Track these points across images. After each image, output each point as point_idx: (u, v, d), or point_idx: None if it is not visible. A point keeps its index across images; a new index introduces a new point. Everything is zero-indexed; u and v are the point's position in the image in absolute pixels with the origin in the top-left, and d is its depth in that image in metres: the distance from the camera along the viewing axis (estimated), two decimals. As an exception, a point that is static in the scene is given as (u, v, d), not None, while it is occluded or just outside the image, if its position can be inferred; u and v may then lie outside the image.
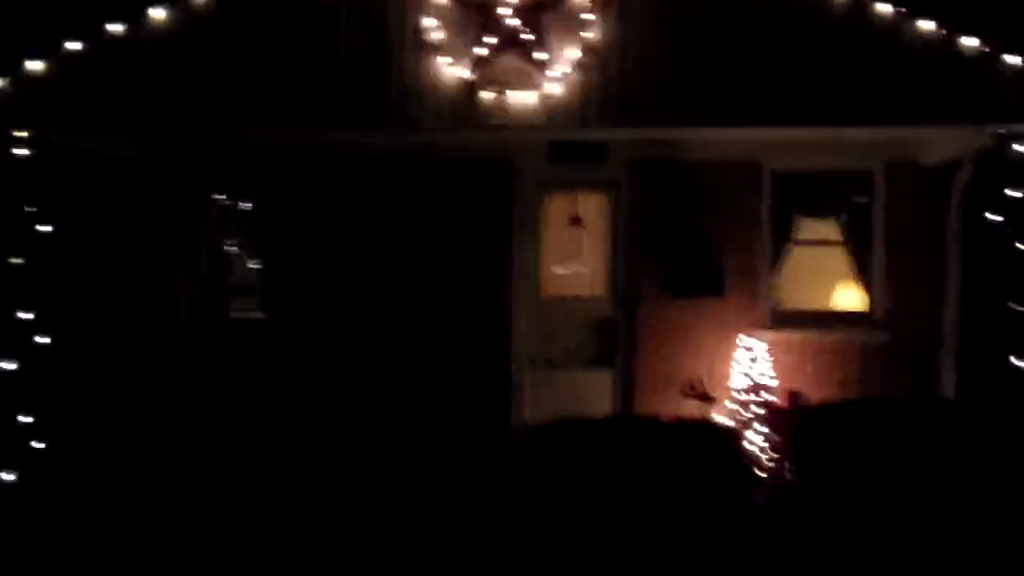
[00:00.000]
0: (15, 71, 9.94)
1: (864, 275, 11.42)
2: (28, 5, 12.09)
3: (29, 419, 9.91)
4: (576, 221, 11.72)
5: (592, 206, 11.71)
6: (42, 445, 9.96)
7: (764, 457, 9.81)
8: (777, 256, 11.45)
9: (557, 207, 11.73)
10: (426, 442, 10.28)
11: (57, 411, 10.29)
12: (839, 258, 11.54)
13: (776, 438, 9.75)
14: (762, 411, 10.14)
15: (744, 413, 10.29)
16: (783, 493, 9.22)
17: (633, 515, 8.22)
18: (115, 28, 9.88)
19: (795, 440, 9.37)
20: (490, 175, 11.44)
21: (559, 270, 11.73)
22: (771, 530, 8.31)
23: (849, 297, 11.53)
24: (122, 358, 11.47)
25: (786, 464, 9.44)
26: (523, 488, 8.90)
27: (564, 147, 11.07)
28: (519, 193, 11.49)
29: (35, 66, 9.93)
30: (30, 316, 9.95)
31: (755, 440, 10.01)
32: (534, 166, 11.40)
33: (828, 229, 11.56)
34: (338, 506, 8.97)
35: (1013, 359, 9.32)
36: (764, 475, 9.65)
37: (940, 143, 10.63)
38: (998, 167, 9.78)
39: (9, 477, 9.76)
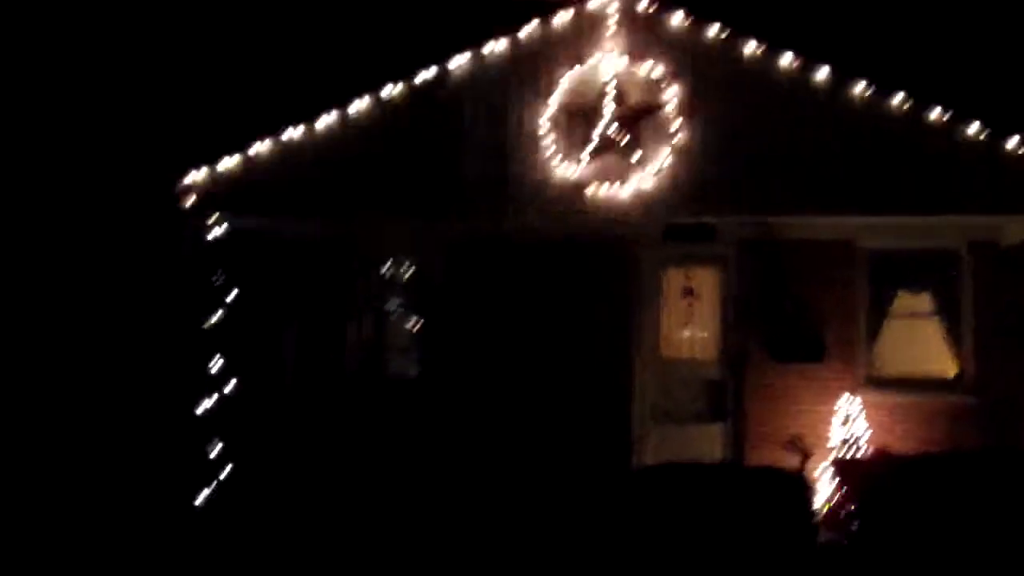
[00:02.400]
0: (211, 167, 11.91)
1: (953, 343, 12.51)
2: (220, 110, 14.07)
3: (220, 447, 11.85)
4: (689, 292, 13.14)
5: (704, 278, 13.11)
6: (229, 468, 11.86)
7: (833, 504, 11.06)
8: (872, 325, 12.65)
9: (673, 279, 13.16)
10: (561, 483, 11.70)
11: (242, 444, 12.17)
12: (931, 328, 12.64)
13: (847, 488, 10.94)
14: (846, 464, 11.35)
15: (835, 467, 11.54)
16: (844, 536, 10.45)
17: (714, 540, 9.58)
18: (291, 132, 11.80)
19: (869, 489, 10.56)
20: (614, 252, 12.87)
21: (676, 335, 13.17)
22: (820, 566, 9.64)
23: (939, 364, 12.62)
24: (297, 404, 13.27)
25: (847, 510, 10.64)
26: (633, 514, 10.35)
27: (677, 228, 12.44)
28: (640, 267, 12.97)
29: (227, 163, 11.90)
30: (222, 364, 11.92)
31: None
32: (652, 244, 12.84)
33: (920, 301, 12.70)
34: (477, 526, 10.54)
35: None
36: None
37: (1014, 227, 11.71)
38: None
39: (205, 493, 11.72)
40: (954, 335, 12.52)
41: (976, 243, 12.28)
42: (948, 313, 12.56)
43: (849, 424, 11.99)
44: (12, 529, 10.46)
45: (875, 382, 12.56)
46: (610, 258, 12.93)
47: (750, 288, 12.79)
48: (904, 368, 12.72)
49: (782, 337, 12.56)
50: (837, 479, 11.29)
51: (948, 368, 12.55)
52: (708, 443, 12.82)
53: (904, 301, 12.76)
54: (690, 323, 13.21)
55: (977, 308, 12.36)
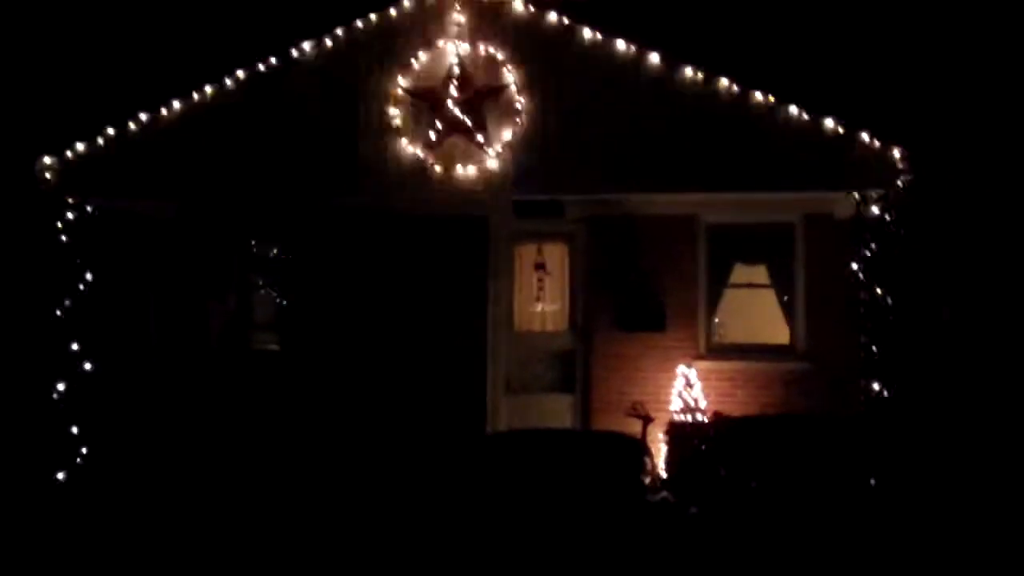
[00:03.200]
0: (64, 151, 12.10)
1: (788, 313, 13.21)
2: (72, 94, 14.22)
3: (75, 430, 12.08)
4: (541, 266, 13.69)
5: (554, 253, 13.69)
6: (85, 451, 12.11)
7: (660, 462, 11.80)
8: (712, 296, 13.31)
9: (525, 254, 13.71)
10: (418, 448, 12.18)
11: (100, 423, 12.42)
12: (767, 298, 13.36)
13: (676, 449, 11.63)
14: (674, 427, 12.03)
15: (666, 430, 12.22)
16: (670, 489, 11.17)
17: (555, 491, 10.26)
18: (142, 116, 12.06)
19: (691, 449, 11.26)
20: (469, 227, 13.38)
21: (528, 308, 13.72)
22: (648, 515, 10.49)
23: (775, 332, 13.34)
24: (159, 379, 13.55)
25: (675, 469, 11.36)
26: (485, 472, 10.91)
27: (526, 204, 12.89)
28: (492, 243, 13.47)
29: (80, 147, 12.10)
30: (76, 347, 12.14)
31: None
32: (504, 220, 13.32)
33: (757, 273, 13.40)
34: (343, 491, 11.04)
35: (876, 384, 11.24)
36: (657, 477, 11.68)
37: (844, 202, 12.37)
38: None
39: (60, 476, 11.92)
40: (788, 305, 13.20)
41: (811, 216, 12.90)
42: (783, 284, 13.23)
43: (689, 389, 12.65)
44: None
45: (715, 349, 13.23)
46: (464, 234, 13.41)
47: (598, 262, 13.36)
48: (742, 336, 13.44)
49: (626, 308, 13.17)
50: (668, 441, 11.93)
51: (783, 336, 13.25)
52: (559, 411, 13.40)
53: (742, 272, 13.44)
54: (542, 297, 13.76)
55: (810, 279, 13.01)
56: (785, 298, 13.23)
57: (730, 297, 13.46)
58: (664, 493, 11.23)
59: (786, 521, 10.08)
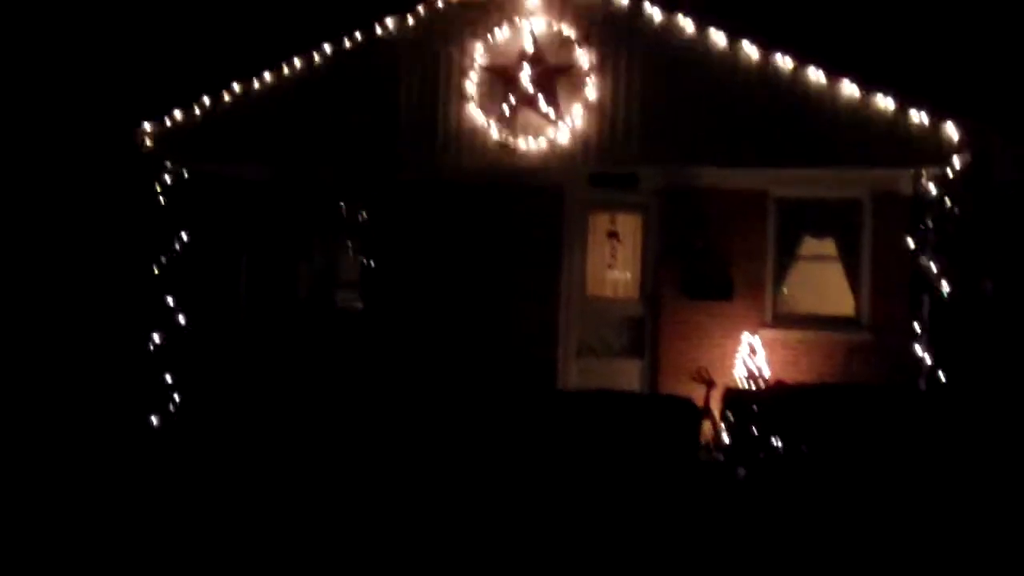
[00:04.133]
0: (165, 118, 12.91)
1: (854, 285, 13.52)
2: (170, 63, 15.07)
3: (169, 379, 12.94)
4: (613, 235, 14.20)
5: (627, 223, 14.19)
6: (178, 399, 12.97)
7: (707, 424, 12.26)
8: (780, 268, 13.67)
9: (599, 223, 14.23)
10: (492, 402, 12.70)
11: (192, 374, 13.28)
12: (833, 270, 13.65)
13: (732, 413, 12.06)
14: (732, 393, 12.44)
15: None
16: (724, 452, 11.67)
17: (612, 447, 10.97)
18: (235, 86, 12.78)
19: (744, 415, 11.71)
20: (545, 197, 13.91)
21: (600, 274, 14.24)
22: (696, 475, 11.07)
23: (840, 304, 13.63)
24: (250, 333, 14.37)
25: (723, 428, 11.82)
26: (552, 427, 11.55)
27: (602, 175, 13.43)
28: (567, 211, 13.99)
29: (178, 114, 12.89)
30: (171, 302, 12.99)
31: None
32: (579, 190, 13.84)
33: (824, 246, 13.69)
34: (421, 438, 11.76)
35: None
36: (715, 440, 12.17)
37: (907, 180, 12.62)
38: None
39: (154, 421, 12.81)
40: (854, 277, 13.50)
41: (878, 193, 13.16)
42: (849, 257, 13.51)
43: (753, 357, 13.08)
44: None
45: (780, 319, 13.60)
46: (540, 201, 13.94)
47: (669, 232, 13.80)
48: (807, 307, 13.75)
49: (694, 276, 13.59)
50: (724, 406, 12.37)
51: (847, 308, 13.55)
52: (629, 375, 13.92)
53: (810, 245, 13.74)
54: (614, 264, 14.27)
55: (875, 253, 13.29)
56: (851, 271, 13.54)
57: (798, 269, 13.79)
58: (717, 455, 11.69)
59: (830, 487, 10.50)
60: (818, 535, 9.33)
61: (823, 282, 13.75)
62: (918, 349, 11.90)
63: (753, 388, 12.67)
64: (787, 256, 13.72)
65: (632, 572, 8.51)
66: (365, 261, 14.63)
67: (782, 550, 8.97)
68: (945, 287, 11.61)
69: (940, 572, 8.58)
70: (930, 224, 11.74)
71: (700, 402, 12.34)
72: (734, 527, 9.61)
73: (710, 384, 12.82)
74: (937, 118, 11.59)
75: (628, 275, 14.21)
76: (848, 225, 13.50)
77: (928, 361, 11.78)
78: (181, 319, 12.98)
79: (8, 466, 10.99)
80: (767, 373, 12.99)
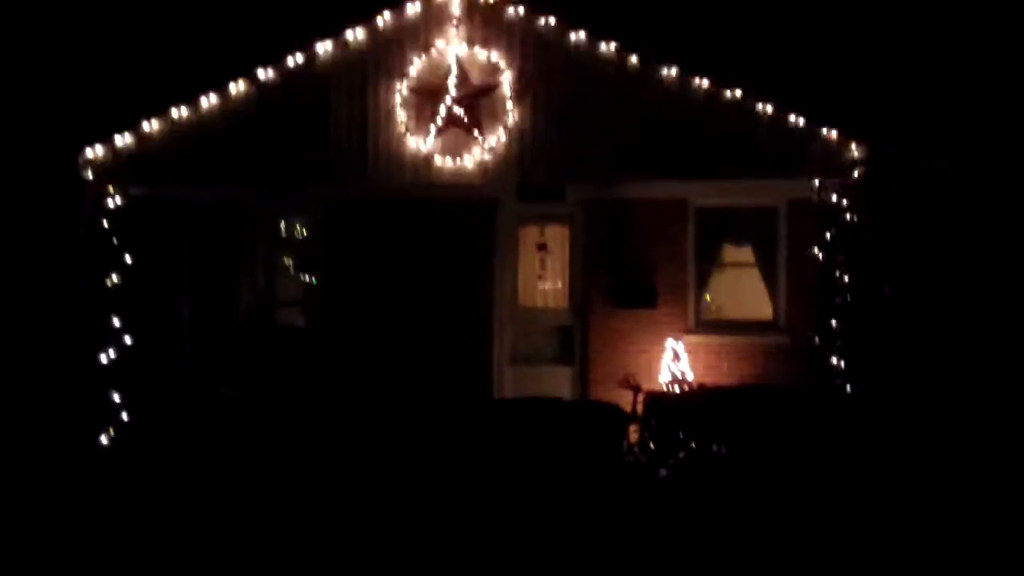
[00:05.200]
0: (107, 143, 13.31)
1: (771, 291, 14.22)
2: (113, 91, 15.47)
3: (117, 397, 13.32)
4: (543, 247, 14.78)
5: (556, 234, 14.78)
6: (126, 417, 13.36)
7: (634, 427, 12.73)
8: (701, 275, 14.34)
9: (529, 235, 14.80)
10: (431, 411, 13.17)
11: (139, 393, 13.66)
12: (753, 276, 14.36)
13: (653, 415, 12.63)
14: (652, 396, 13.00)
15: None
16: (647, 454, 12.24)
17: (543, 451, 11.56)
18: (177, 111, 13.22)
19: (660, 415, 12.31)
20: (476, 211, 14.44)
21: (531, 286, 14.81)
22: (619, 475, 11.68)
23: (758, 309, 14.31)
24: (193, 350, 14.79)
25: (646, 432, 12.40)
26: (488, 433, 12.08)
27: (529, 189, 13.87)
28: (498, 225, 14.54)
29: (121, 140, 13.29)
30: (117, 323, 13.35)
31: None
32: (509, 204, 14.36)
33: (743, 253, 14.43)
34: (363, 450, 12.22)
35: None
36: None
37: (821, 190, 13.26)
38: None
39: (103, 439, 13.19)
40: (771, 283, 14.22)
41: (793, 202, 13.84)
42: (767, 263, 14.25)
43: (677, 362, 13.70)
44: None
45: (703, 325, 14.27)
46: (471, 216, 14.48)
47: (595, 242, 14.41)
48: (728, 312, 14.48)
49: (620, 285, 14.22)
50: (646, 410, 12.93)
51: (766, 312, 14.25)
52: (560, 382, 14.50)
53: (729, 252, 14.49)
54: (544, 275, 14.85)
55: (791, 260, 14.01)
56: (769, 277, 14.22)
57: (718, 275, 14.49)
58: (641, 457, 12.27)
59: (746, 483, 11.13)
60: (729, 529, 9.93)
61: (742, 288, 14.43)
62: (826, 351, 12.58)
63: (666, 391, 13.26)
64: (708, 263, 14.42)
65: (556, 567, 9.07)
66: (305, 278, 15.11)
67: (691, 543, 9.57)
68: (846, 291, 12.34)
69: (847, 565, 9.13)
70: (834, 231, 12.47)
71: (628, 407, 12.89)
72: (650, 523, 10.20)
73: (637, 389, 13.32)
74: (843, 136, 12.37)
75: (558, 285, 14.79)
76: (765, 232, 14.22)
77: (835, 362, 12.47)
78: (127, 339, 13.34)
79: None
80: (691, 377, 13.62)
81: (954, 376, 12.94)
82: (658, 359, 13.93)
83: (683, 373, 13.67)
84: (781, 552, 9.31)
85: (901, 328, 13.02)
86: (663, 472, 11.69)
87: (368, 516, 10.47)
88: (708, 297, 14.49)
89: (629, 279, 14.21)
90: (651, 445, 12.22)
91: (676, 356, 13.76)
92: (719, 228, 14.33)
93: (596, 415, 12.33)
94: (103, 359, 13.15)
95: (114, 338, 13.28)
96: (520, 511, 10.45)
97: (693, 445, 11.80)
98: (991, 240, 13.93)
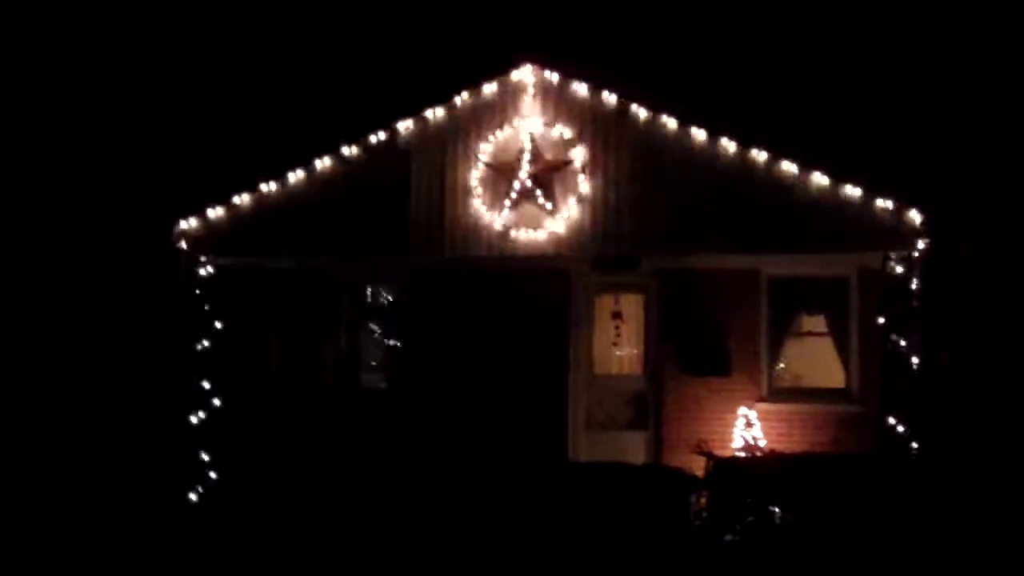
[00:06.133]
0: (201, 216, 14.07)
1: (842, 359, 14.31)
2: (206, 167, 16.35)
3: (206, 457, 13.96)
4: (617, 315, 15.12)
5: (630, 303, 15.11)
6: (215, 476, 13.97)
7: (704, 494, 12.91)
8: (774, 343, 14.51)
9: (604, 304, 15.15)
10: (508, 473, 13.52)
11: (228, 452, 14.30)
12: (824, 345, 14.48)
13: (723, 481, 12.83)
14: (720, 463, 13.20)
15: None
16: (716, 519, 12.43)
17: (614, 513, 11.93)
18: (266, 186, 13.95)
19: (728, 481, 12.52)
20: (552, 281, 14.83)
21: (606, 352, 15.15)
22: (687, 539, 11.96)
23: (830, 377, 14.42)
24: (281, 413, 15.36)
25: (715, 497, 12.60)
26: (563, 494, 12.47)
27: (603, 259, 14.32)
28: (573, 294, 14.92)
29: (214, 213, 14.05)
30: (208, 385, 14.04)
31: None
32: (583, 273, 14.76)
33: (815, 322, 14.55)
34: (444, 509, 12.68)
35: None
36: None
37: (890, 261, 13.41)
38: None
39: (193, 497, 13.79)
40: (843, 351, 14.31)
41: (864, 271, 13.97)
42: (838, 332, 14.35)
43: (749, 429, 13.90)
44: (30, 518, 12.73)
45: (775, 392, 14.41)
46: (547, 285, 14.87)
47: (669, 311, 14.69)
48: (800, 380, 14.65)
49: (693, 354, 14.46)
50: (716, 475, 13.13)
51: (838, 380, 14.35)
52: (635, 447, 14.73)
53: (803, 321, 14.64)
54: (619, 342, 15.17)
55: (862, 329, 14.12)
56: (841, 345, 14.35)
57: (791, 343, 14.65)
58: (707, 521, 12.47)
59: (811, 550, 11.29)
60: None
61: (814, 356, 14.56)
62: (891, 419, 12.73)
63: (733, 457, 13.44)
64: (780, 331, 14.56)
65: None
66: (388, 343, 15.65)
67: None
68: (909, 360, 12.52)
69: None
70: (897, 301, 12.66)
71: (701, 472, 13.11)
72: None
73: (709, 455, 13.55)
74: (902, 206, 12.60)
75: (632, 352, 15.10)
76: (837, 302, 14.32)
77: (900, 429, 12.61)
78: (216, 401, 13.99)
79: (60, 539, 12.06)
80: (763, 444, 13.80)
81: (1011, 441, 12.99)
82: (731, 426, 14.12)
83: (755, 440, 13.86)
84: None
85: (963, 395, 13.11)
86: (728, 537, 11.89)
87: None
88: (782, 365, 14.65)
89: (703, 347, 14.45)
90: (719, 510, 12.43)
91: (748, 423, 13.96)
92: (791, 297, 14.49)
93: (663, 479, 12.61)
94: (193, 420, 13.80)
95: (204, 400, 13.94)
96: (588, 571, 10.82)
97: (760, 511, 11.97)
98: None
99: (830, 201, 12.91)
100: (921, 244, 12.52)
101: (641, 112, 13.36)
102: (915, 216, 12.56)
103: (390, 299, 15.77)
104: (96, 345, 15.92)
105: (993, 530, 11.65)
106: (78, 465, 14.48)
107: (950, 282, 13.01)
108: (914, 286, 12.75)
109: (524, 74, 14.04)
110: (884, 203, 12.72)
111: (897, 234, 12.70)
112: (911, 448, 12.57)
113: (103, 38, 19.29)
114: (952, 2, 16.52)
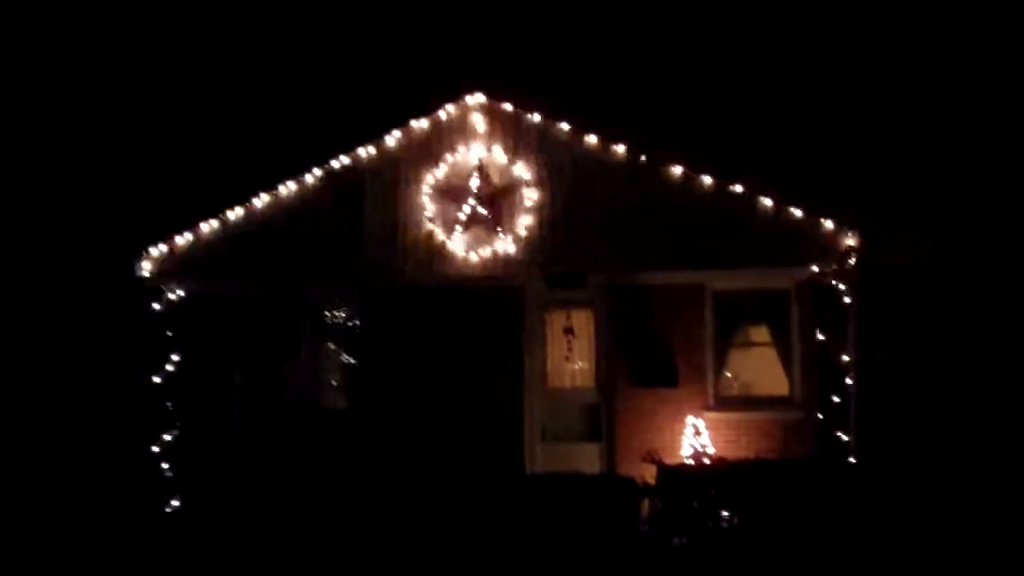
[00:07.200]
0: (165, 244, 14.50)
1: (785, 368, 14.92)
2: (169, 195, 16.79)
3: (169, 478, 14.38)
4: (569, 330, 15.63)
5: (581, 318, 15.61)
6: (178, 499, 14.38)
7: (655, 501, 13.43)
8: (719, 354, 15.08)
9: (556, 319, 15.67)
10: (467, 485, 14.01)
11: (192, 474, 14.71)
12: (769, 354, 15.08)
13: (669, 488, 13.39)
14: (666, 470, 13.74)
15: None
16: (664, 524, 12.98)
17: (569, 520, 12.54)
18: (230, 213, 14.45)
19: (669, 487, 13.10)
20: (505, 299, 15.31)
21: (559, 367, 15.68)
22: (636, 543, 12.57)
23: (774, 385, 15.00)
24: (244, 435, 15.75)
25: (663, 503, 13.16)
26: (520, 503, 13.03)
27: (553, 276, 14.84)
28: (526, 311, 15.44)
29: (177, 240, 14.48)
30: (171, 407, 14.50)
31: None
32: (535, 290, 15.29)
33: (759, 333, 15.18)
34: (403, 522, 13.16)
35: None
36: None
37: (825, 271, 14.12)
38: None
39: (156, 518, 14.23)
40: (786, 360, 14.92)
41: (802, 284, 14.63)
42: (781, 342, 14.98)
43: (698, 437, 14.45)
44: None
45: (721, 401, 14.98)
46: (500, 303, 15.35)
47: (617, 325, 15.24)
48: (745, 389, 15.24)
49: (642, 366, 15.03)
50: (663, 483, 13.67)
51: (782, 388, 14.94)
52: (589, 457, 15.23)
53: (745, 332, 15.26)
54: (571, 357, 15.68)
55: (802, 338, 14.73)
56: (783, 355, 14.96)
57: (736, 354, 15.25)
58: (655, 526, 13.02)
59: (750, 550, 11.88)
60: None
61: (759, 365, 15.15)
62: (831, 425, 13.44)
63: (680, 465, 13.99)
64: (725, 343, 15.15)
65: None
66: (348, 363, 16.09)
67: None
68: (845, 367, 13.25)
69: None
70: (831, 311, 13.38)
71: (652, 480, 13.64)
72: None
73: (659, 464, 14.09)
74: (839, 224, 13.44)
75: (585, 365, 15.62)
76: (778, 313, 14.95)
77: (838, 434, 13.30)
78: (179, 424, 14.41)
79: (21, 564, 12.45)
80: (712, 451, 14.35)
81: (946, 442, 13.67)
82: (680, 435, 14.67)
83: (704, 447, 14.42)
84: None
85: (898, 398, 13.78)
86: (676, 540, 12.44)
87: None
88: (728, 375, 15.23)
89: (651, 360, 15.01)
90: (668, 515, 12.98)
91: (697, 431, 14.51)
92: (735, 310, 15.09)
93: (615, 488, 13.16)
94: (155, 446, 14.21)
95: (167, 424, 14.35)
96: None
97: (707, 514, 12.53)
98: (975, 307, 14.72)
99: (771, 221, 13.64)
100: (851, 258, 13.25)
101: (590, 138, 14.03)
102: (848, 233, 13.37)
103: (346, 320, 16.19)
104: (60, 370, 16.26)
105: (925, 528, 12.29)
106: (41, 491, 14.83)
107: (881, 292, 13.67)
108: (847, 300, 13.46)
109: (475, 100, 14.64)
110: (824, 222, 13.57)
111: (832, 250, 13.50)
112: (849, 452, 13.18)
113: (69, 67, 19.68)
114: (878, 25, 17.31)
